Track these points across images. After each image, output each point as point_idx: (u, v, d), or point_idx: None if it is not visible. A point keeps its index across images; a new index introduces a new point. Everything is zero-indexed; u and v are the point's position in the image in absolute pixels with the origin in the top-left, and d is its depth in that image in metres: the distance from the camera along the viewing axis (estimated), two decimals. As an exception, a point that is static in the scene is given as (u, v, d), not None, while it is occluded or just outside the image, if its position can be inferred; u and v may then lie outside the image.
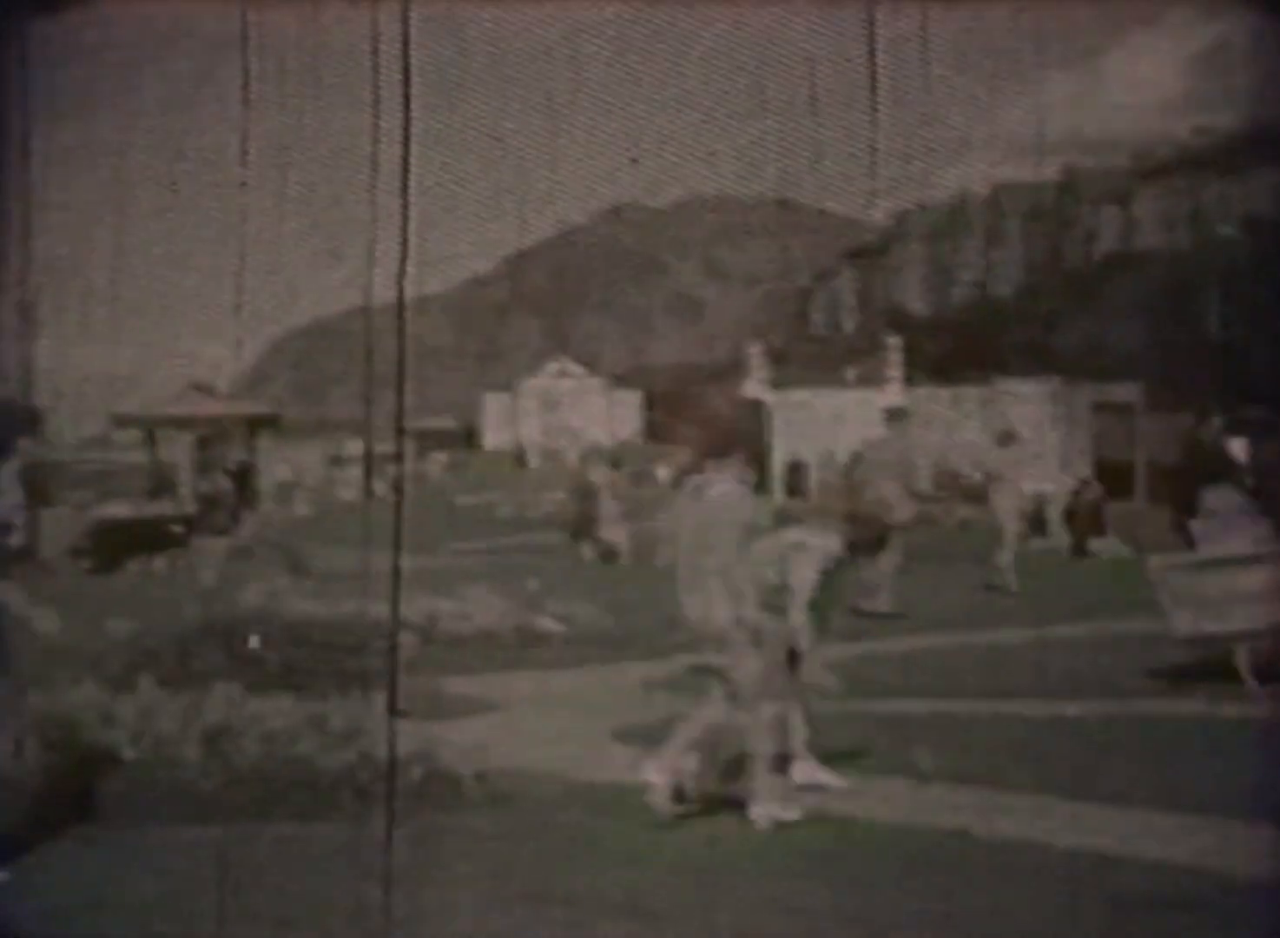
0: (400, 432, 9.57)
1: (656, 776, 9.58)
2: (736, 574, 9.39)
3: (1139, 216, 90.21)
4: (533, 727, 12.95)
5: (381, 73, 8.04)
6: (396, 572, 8.98)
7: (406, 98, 7.74)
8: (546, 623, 18.11)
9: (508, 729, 12.74)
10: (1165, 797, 9.56)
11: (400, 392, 9.60)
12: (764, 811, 9.30)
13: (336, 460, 55.32)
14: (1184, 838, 8.73)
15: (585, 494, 32.24)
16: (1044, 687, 13.95)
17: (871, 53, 9.50)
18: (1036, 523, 27.65)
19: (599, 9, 10.69)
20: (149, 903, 7.89)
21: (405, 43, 7.83)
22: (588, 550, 30.26)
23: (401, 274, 8.08)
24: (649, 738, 11.89)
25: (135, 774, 9.88)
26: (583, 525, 31.44)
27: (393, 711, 9.75)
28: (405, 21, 7.85)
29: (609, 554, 29.80)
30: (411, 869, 8.34)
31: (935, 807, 9.62)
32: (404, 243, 7.80)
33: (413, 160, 7.79)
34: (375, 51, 8.07)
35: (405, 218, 7.80)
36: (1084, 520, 28.68)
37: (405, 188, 7.79)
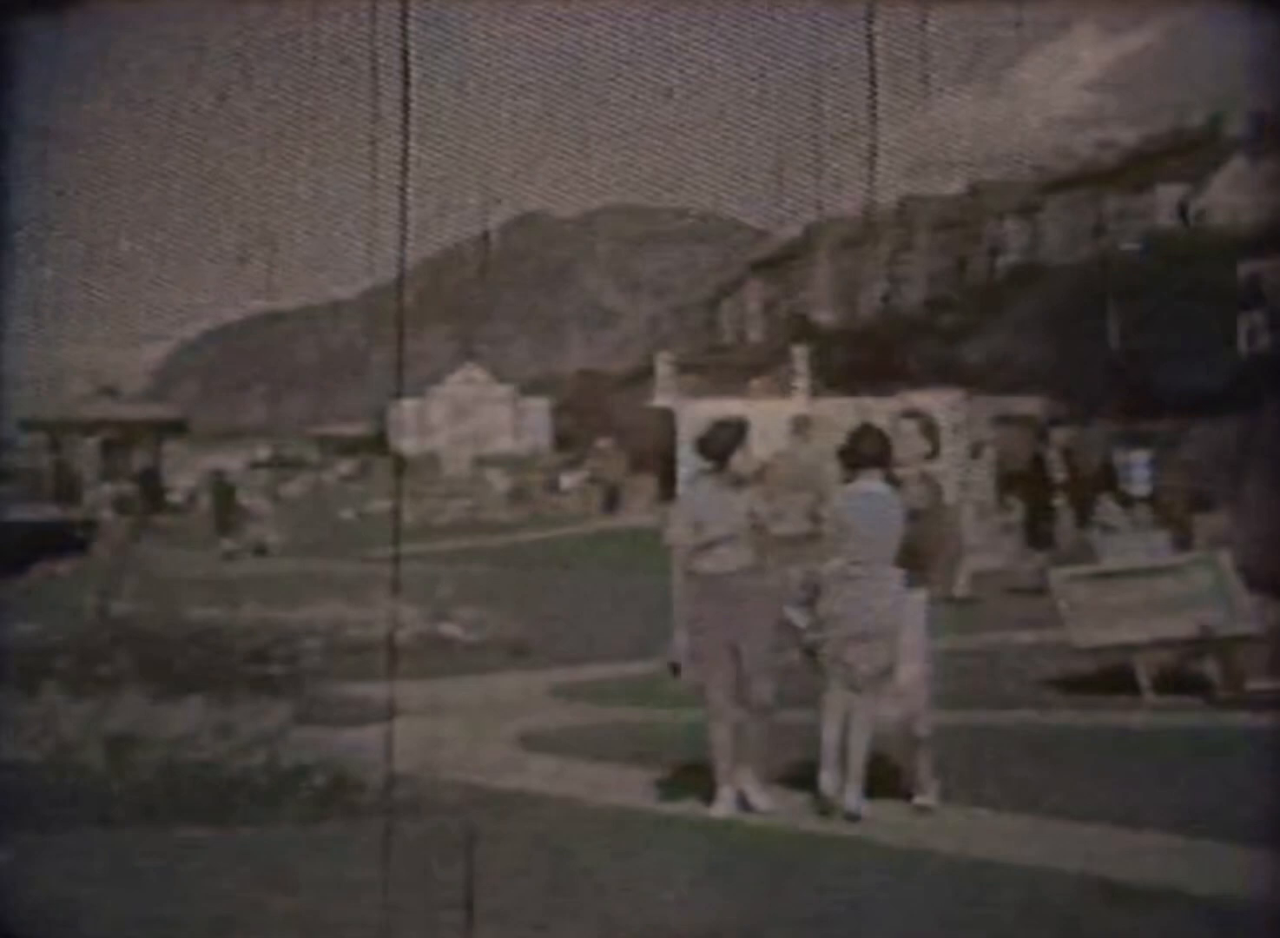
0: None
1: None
2: None
3: (1042, 230, 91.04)
4: (438, 733, 12.96)
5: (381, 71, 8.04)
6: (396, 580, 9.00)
7: (406, 99, 7.75)
8: (452, 629, 18.14)
9: (414, 735, 12.74)
10: (1058, 805, 9.68)
11: (399, 385, 9.58)
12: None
13: (244, 467, 55.10)
14: (1077, 846, 8.85)
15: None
16: (938, 696, 14.08)
17: (871, 61, 9.54)
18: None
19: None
20: (50, 906, 7.86)
21: (404, 39, 7.83)
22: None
23: (401, 273, 8.09)
24: (556, 745, 11.97)
25: (38, 778, 9.85)
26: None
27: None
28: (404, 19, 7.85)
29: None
30: (316, 876, 8.36)
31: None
32: (402, 239, 7.80)
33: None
34: (373, 47, 8.07)
35: (403, 210, 7.79)
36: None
37: (404, 181, 7.79)
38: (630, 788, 10.52)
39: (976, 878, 8.27)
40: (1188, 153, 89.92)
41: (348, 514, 39.24)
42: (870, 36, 9.78)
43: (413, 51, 7.83)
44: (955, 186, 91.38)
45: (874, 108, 10.01)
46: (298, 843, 8.88)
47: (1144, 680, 13.94)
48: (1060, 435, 25.34)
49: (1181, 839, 8.85)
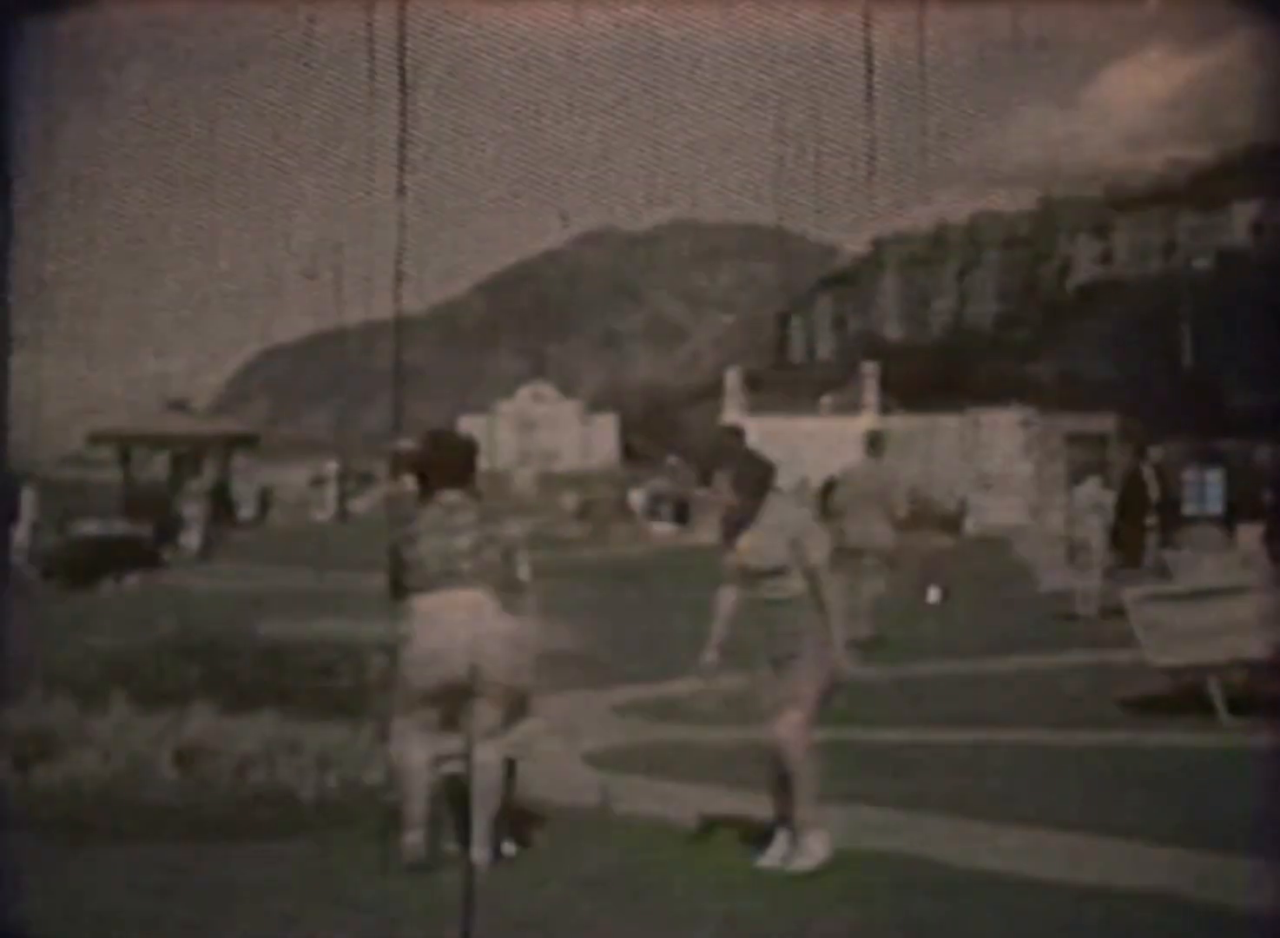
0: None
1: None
2: None
3: (1114, 247, 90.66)
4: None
5: (378, 77, 8.02)
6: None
7: (403, 107, 7.73)
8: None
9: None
10: (1139, 826, 9.57)
11: (398, 412, 9.60)
12: None
13: (316, 481, 55.39)
14: (1161, 868, 8.73)
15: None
16: (1021, 716, 13.99)
17: (870, 81, 9.49)
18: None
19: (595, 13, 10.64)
20: (120, 920, 7.87)
21: (401, 44, 7.82)
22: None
23: (398, 290, 8.07)
24: (621, 762, 11.92)
25: (109, 793, 9.87)
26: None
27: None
28: (401, 22, 7.83)
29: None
30: (389, 894, 8.34)
31: (911, 836, 9.59)
32: (399, 253, 7.78)
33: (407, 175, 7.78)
34: (371, 53, 8.05)
35: (402, 227, 7.77)
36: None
37: (401, 191, 7.77)
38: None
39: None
40: (1261, 170, 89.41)
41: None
42: (868, 41, 9.67)
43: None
44: (1025, 203, 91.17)
45: (872, 137, 9.91)
46: (369, 861, 8.84)
47: (1219, 701, 13.80)
48: (1156, 453, 25.04)
49: (1257, 862, 8.73)
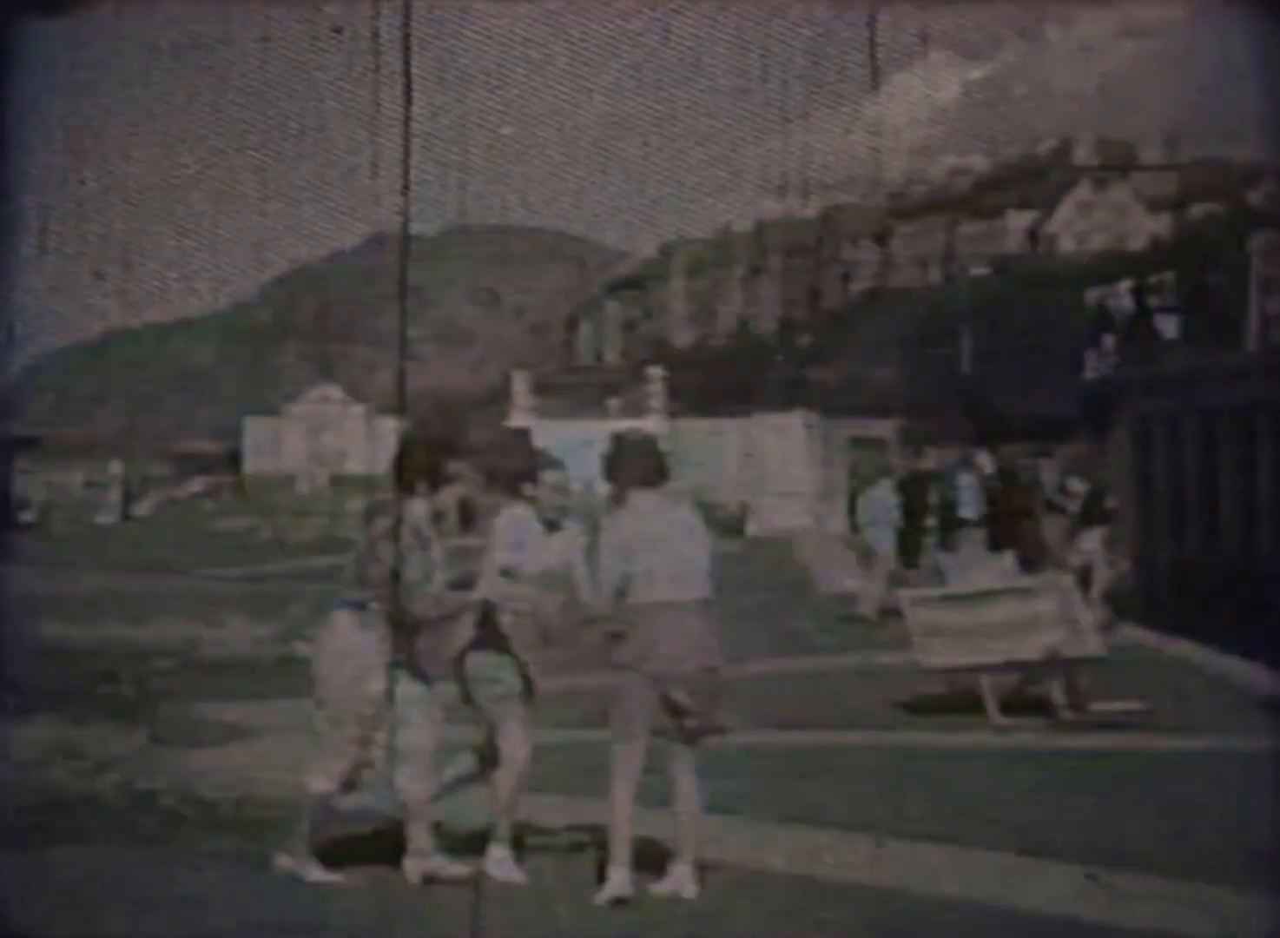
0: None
1: None
2: None
3: (895, 255, 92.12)
4: (290, 754, 12.87)
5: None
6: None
7: (407, 94, 7.72)
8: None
9: (265, 756, 12.65)
10: (904, 825, 9.79)
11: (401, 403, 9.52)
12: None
13: (91, 483, 54.47)
14: (923, 867, 8.94)
15: None
16: (799, 718, 14.21)
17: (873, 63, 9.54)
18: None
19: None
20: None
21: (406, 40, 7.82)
22: None
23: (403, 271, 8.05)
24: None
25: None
26: None
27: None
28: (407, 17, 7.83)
29: None
30: (162, 898, 8.32)
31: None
32: (405, 240, 7.78)
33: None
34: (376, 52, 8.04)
35: (406, 217, 7.75)
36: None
37: (406, 187, 7.75)
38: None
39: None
40: (1037, 180, 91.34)
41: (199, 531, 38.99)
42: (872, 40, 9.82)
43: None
44: (810, 210, 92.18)
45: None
46: (149, 863, 8.82)
47: (990, 702, 14.15)
48: (933, 458, 25.69)
49: (1025, 860, 8.98)
